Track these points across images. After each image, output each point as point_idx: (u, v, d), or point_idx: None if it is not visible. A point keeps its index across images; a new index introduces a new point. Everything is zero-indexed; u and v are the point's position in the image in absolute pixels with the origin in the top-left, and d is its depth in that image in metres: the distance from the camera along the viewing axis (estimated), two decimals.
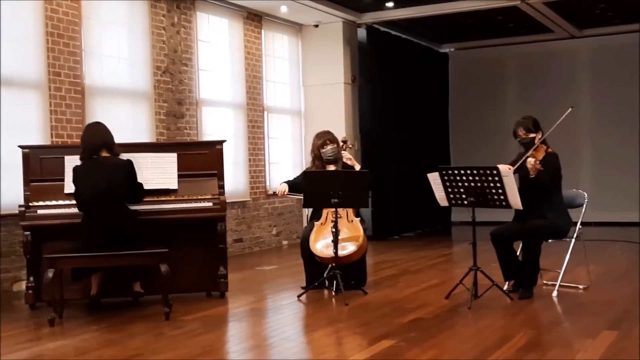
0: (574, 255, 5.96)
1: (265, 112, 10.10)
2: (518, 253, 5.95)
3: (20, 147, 5.89)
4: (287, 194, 6.34)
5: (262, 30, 10.02)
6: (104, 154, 5.44)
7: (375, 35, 10.95)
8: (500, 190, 5.40)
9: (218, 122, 9.19)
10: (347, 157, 6.47)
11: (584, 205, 6.12)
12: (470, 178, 5.47)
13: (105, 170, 5.37)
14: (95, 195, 5.29)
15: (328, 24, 10.54)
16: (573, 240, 5.92)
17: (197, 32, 8.88)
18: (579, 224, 5.98)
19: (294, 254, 8.17)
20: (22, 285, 6.36)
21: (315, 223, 6.25)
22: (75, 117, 7.20)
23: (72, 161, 5.57)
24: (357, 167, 6.48)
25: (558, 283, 5.93)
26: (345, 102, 10.62)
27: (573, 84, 12.25)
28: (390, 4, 10.17)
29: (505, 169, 5.43)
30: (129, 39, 7.97)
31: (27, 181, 5.78)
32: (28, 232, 5.60)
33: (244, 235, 9.51)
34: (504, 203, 5.44)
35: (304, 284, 6.31)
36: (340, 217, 6.10)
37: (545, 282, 6.27)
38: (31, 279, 5.71)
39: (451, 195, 5.65)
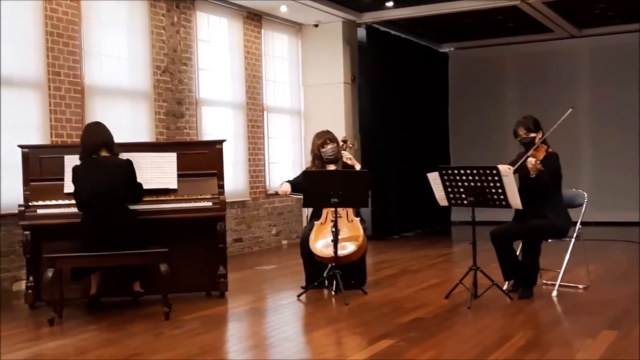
0: (573, 255, 5.96)
1: (265, 112, 10.09)
2: (518, 253, 5.95)
3: (20, 146, 5.88)
4: (290, 194, 6.33)
5: (262, 30, 10.02)
6: (104, 153, 5.44)
7: (375, 35, 10.95)
8: (500, 190, 5.39)
9: (218, 121, 9.18)
10: (347, 156, 6.47)
11: (584, 205, 6.11)
12: (470, 178, 5.47)
13: (105, 169, 5.37)
14: (94, 194, 5.29)
15: (328, 23, 10.54)
16: (573, 240, 5.92)
17: (196, 32, 8.88)
18: (578, 223, 5.98)
19: (293, 253, 8.16)
20: (22, 285, 6.36)
21: (315, 223, 6.25)
22: (74, 117, 7.20)
23: (71, 161, 5.56)
24: (358, 167, 6.48)
25: (558, 283, 5.92)
26: (345, 101, 10.62)
27: (573, 84, 12.26)
28: (390, 4, 10.17)
29: (505, 169, 5.43)
30: (128, 39, 7.96)
31: (26, 181, 5.77)
32: (28, 232, 5.60)
33: (244, 235, 9.51)
34: (503, 203, 5.44)
35: (304, 284, 6.30)
36: (340, 216, 6.10)
37: (545, 281, 6.27)
38: (31, 278, 5.71)
39: (451, 195, 5.65)
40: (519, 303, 5.54)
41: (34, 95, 6.87)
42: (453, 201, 5.68)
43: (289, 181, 6.41)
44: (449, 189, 5.62)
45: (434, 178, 5.75)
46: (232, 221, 9.10)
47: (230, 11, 9.41)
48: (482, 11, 10.30)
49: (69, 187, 5.53)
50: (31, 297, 5.72)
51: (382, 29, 11.23)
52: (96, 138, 5.47)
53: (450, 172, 5.57)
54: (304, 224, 7.90)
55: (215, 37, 9.21)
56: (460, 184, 5.53)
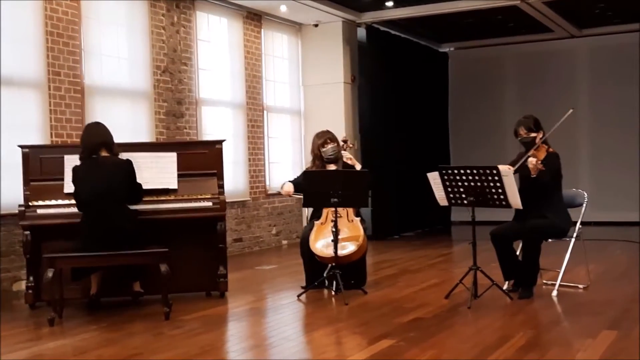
0: (573, 255, 5.96)
1: (265, 112, 10.10)
2: (518, 253, 5.95)
3: (20, 146, 5.89)
4: (292, 194, 6.32)
5: (262, 30, 10.02)
6: (104, 153, 5.44)
7: (374, 35, 10.95)
8: (500, 190, 5.39)
9: (218, 121, 9.18)
10: (348, 156, 6.46)
11: (584, 205, 6.11)
12: (470, 178, 5.47)
13: (105, 169, 5.37)
14: (94, 194, 5.29)
15: (328, 23, 10.54)
16: (573, 239, 5.91)
17: (196, 32, 8.88)
18: (578, 223, 5.98)
19: (293, 253, 8.16)
20: (22, 285, 6.36)
21: (316, 222, 6.25)
22: (74, 117, 7.20)
23: (71, 161, 5.56)
24: (358, 167, 6.47)
25: (558, 283, 5.92)
26: (345, 101, 10.62)
27: (573, 84, 12.26)
28: (389, 4, 10.17)
29: (505, 169, 5.43)
30: (128, 39, 7.96)
31: (26, 181, 5.77)
32: (28, 232, 5.60)
33: (244, 234, 9.51)
34: (503, 203, 5.44)
35: (304, 284, 6.30)
36: (341, 216, 6.10)
37: (545, 281, 6.27)
38: (31, 278, 5.71)
39: (451, 195, 5.65)
40: (519, 303, 5.54)
41: (34, 95, 6.87)
42: (453, 201, 5.68)
43: (291, 181, 6.41)
44: (449, 189, 5.62)
45: (434, 178, 5.74)
46: (232, 221, 9.10)
47: (230, 11, 9.41)
48: (482, 11, 10.30)
49: (69, 187, 5.53)
50: (31, 297, 5.72)
51: (382, 28, 11.23)
52: (96, 138, 5.47)
53: (450, 172, 5.57)
54: (304, 224, 7.89)
55: (215, 37, 9.22)
56: (460, 183, 5.53)
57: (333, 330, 4.93)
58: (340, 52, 10.55)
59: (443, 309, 5.38)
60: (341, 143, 6.53)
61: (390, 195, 10.90)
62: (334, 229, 5.86)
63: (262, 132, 9.98)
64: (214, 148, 6.22)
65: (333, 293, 6.07)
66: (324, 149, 6.36)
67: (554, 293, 5.84)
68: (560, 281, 5.93)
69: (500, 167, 5.41)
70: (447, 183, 5.60)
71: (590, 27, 12.00)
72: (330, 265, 6.03)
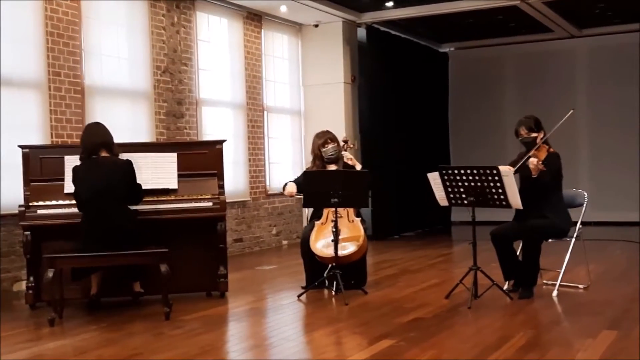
0: (574, 255, 5.96)
1: (265, 112, 10.10)
2: (518, 253, 5.95)
3: (20, 147, 5.89)
4: (295, 195, 6.30)
5: (262, 30, 10.02)
6: (104, 154, 5.44)
7: (375, 35, 10.95)
8: (500, 190, 5.39)
9: (218, 121, 9.18)
10: (348, 157, 6.46)
11: (584, 205, 6.11)
12: (470, 178, 5.47)
13: (105, 170, 5.37)
14: (94, 195, 5.29)
15: (328, 23, 10.54)
16: (573, 239, 5.92)
17: (196, 32, 8.88)
18: (579, 223, 5.98)
19: (294, 253, 8.17)
20: (22, 285, 6.36)
21: (316, 222, 6.25)
22: (75, 117, 7.20)
23: (72, 161, 5.57)
24: (358, 167, 6.46)
25: (558, 283, 5.92)
26: (345, 101, 10.62)
27: (573, 84, 12.26)
28: (390, 4, 10.17)
29: (505, 169, 5.43)
30: (128, 39, 7.96)
31: (27, 181, 5.78)
32: (28, 232, 5.60)
33: (244, 235, 9.51)
34: (504, 203, 5.44)
35: (304, 284, 6.30)
36: (341, 216, 6.10)
37: (545, 281, 6.27)
38: (31, 278, 5.72)
39: (451, 195, 5.65)
40: (519, 303, 5.54)
41: (34, 95, 6.87)
42: (453, 201, 5.68)
43: (293, 181, 6.39)
44: (449, 189, 5.62)
45: (434, 178, 5.74)
46: (232, 221, 9.10)
47: (230, 11, 9.41)
48: (482, 11, 10.30)
49: (69, 187, 5.54)
50: (31, 297, 5.73)
51: (382, 29, 11.23)
52: (96, 138, 5.47)
53: (450, 172, 5.57)
54: (304, 224, 7.89)
55: (215, 37, 9.22)
56: (460, 183, 5.53)
57: (333, 331, 4.93)
58: (341, 52, 10.55)
59: (443, 309, 5.38)
60: (342, 143, 6.53)
61: (390, 195, 10.90)
62: (334, 229, 5.86)
63: (262, 132, 9.98)
64: (214, 148, 6.22)
65: (333, 293, 6.07)
66: (324, 149, 6.36)
67: (554, 293, 5.84)
68: (561, 281, 5.93)
69: (501, 167, 5.41)
70: (447, 183, 5.60)
71: (590, 27, 12.00)
72: (330, 265, 6.03)
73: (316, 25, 10.64)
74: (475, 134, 12.83)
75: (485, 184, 5.42)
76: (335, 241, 5.85)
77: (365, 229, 6.23)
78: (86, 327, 5.12)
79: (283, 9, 9.72)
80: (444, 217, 12.09)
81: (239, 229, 9.41)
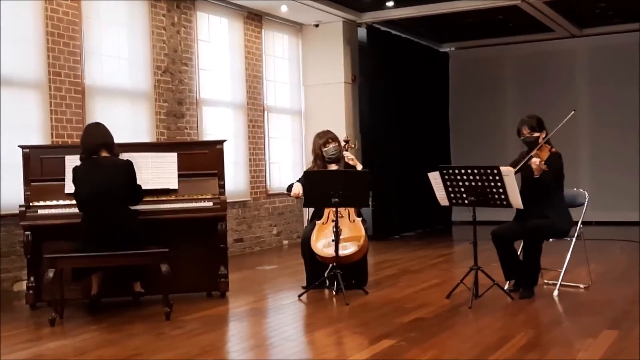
0: (574, 255, 5.96)
1: (266, 112, 10.09)
2: (519, 252, 5.94)
3: (21, 147, 5.89)
4: (301, 195, 6.27)
5: (262, 30, 10.02)
6: (104, 154, 5.44)
7: (375, 35, 10.94)
8: (501, 190, 5.39)
9: (218, 121, 9.18)
10: (350, 157, 6.45)
11: (585, 205, 6.11)
12: (471, 177, 5.46)
13: (105, 170, 5.37)
14: (94, 195, 5.29)
15: (328, 23, 10.54)
16: (574, 239, 5.91)
17: (197, 32, 8.88)
18: (579, 223, 5.98)
19: (294, 253, 8.17)
20: (23, 285, 6.36)
21: (317, 222, 6.25)
22: (75, 117, 7.20)
23: (72, 161, 5.57)
24: (359, 167, 6.46)
25: (559, 282, 5.92)
26: (346, 101, 10.62)
27: (573, 84, 12.25)
28: (390, 4, 10.17)
29: (506, 169, 5.42)
30: (129, 39, 7.96)
31: (27, 181, 5.78)
32: (28, 232, 5.60)
33: (245, 235, 9.51)
34: (504, 202, 5.43)
35: (305, 284, 6.30)
36: (342, 216, 6.10)
37: (546, 281, 6.26)
38: (31, 278, 5.72)
39: (452, 195, 5.65)
40: (520, 303, 5.53)
41: (34, 95, 6.87)
42: (454, 201, 5.68)
43: (298, 181, 6.36)
44: (450, 189, 5.62)
45: (434, 178, 5.74)
46: (232, 221, 9.10)
47: (230, 11, 9.41)
48: (482, 11, 10.29)
49: (69, 187, 5.53)
50: (32, 297, 5.73)
51: (382, 28, 11.22)
52: (96, 139, 5.47)
53: (451, 171, 5.56)
54: (305, 224, 7.89)
55: (215, 37, 9.21)
56: (461, 183, 5.53)
57: (334, 331, 4.92)
58: (341, 52, 10.55)
59: (444, 309, 5.38)
60: (343, 143, 6.52)
61: (391, 195, 10.90)
62: (335, 229, 5.85)
63: (262, 132, 9.98)
64: (215, 148, 6.22)
65: (334, 293, 6.07)
66: (325, 149, 6.36)
67: (555, 293, 5.84)
68: (561, 281, 5.93)
69: (502, 167, 5.40)
70: (448, 183, 5.59)
71: (590, 27, 11.99)
72: (331, 265, 6.03)
73: (316, 25, 10.64)
74: (476, 133, 12.82)
75: (486, 184, 5.42)
76: (336, 241, 5.85)
77: (366, 229, 6.23)
78: (86, 327, 5.12)
79: (283, 8, 9.72)
80: (444, 217, 12.07)
81: (240, 229, 9.40)
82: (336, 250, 5.85)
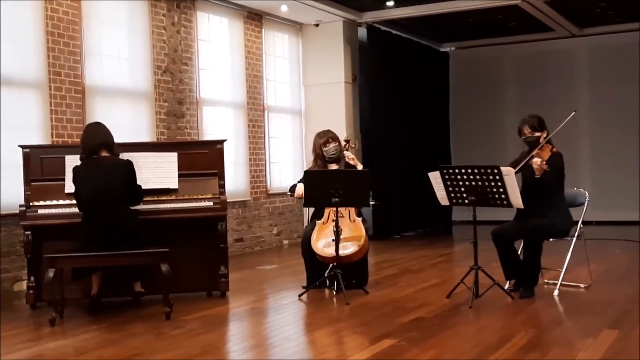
0: (575, 254, 5.95)
1: (266, 112, 10.09)
2: (519, 252, 5.94)
3: (21, 146, 5.89)
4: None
5: (263, 30, 10.02)
6: (104, 153, 5.44)
7: (375, 35, 10.94)
8: (501, 190, 5.39)
9: (218, 121, 9.18)
10: (350, 156, 6.44)
11: (585, 204, 6.10)
12: (472, 177, 5.46)
13: (105, 170, 5.37)
14: (94, 194, 5.29)
15: (328, 23, 10.53)
16: (574, 239, 5.91)
17: (197, 32, 8.87)
18: (580, 222, 5.97)
19: (294, 253, 8.16)
20: (23, 285, 6.35)
21: (317, 222, 6.24)
22: (75, 117, 7.20)
23: (72, 161, 5.56)
24: (360, 167, 6.45)
25: (559, 282, 5.92)
26: (346, 101, 10.62)
27: (573, 83, 12.25)
28: (390, 3, 10.17)
29: (506, 169, 5.42)
30: (129, 39, 7.96)
31: (27, 181, 5.78)
32: (29, 232, 5.60)
33: (245, 234, 9.51)
34: (505, 202, 5.43)
35: (305, 284, 6.30)
36: (342, 216, 6.09)
37: (546, 281, 6.26)
38: (32, 278, 5.72)
39: (452, 195, 5.64)
40: (520, 302, 5.53)
41: (34, 95, 6.87)
42: (454, 200, 5.67)
43: (299, 182, 6.34)
44: (450, 189, 5.62)
45: (435, 177, 5.74)
46: (233, 221, 9.10)
47: (230, 11, 9.41)
48: (482, 10, 10.29)
49: (69, 187, 5.53)
50: (32, 297, 5.73)
51: (382, 28, 11.22)
52: (96, 138, 5.46)
53: (451, 171, 5.56)
54: (305, 223, 7.88)
55: (215, 37, 9.21)
56: (461, 183, 5.53)
57: (334, 330, 4.92)
58: (341, 51, 10.55)
59: (444, 309, 5.38)
60: (343, 143, 6.52)
61: (391, 195, 10.89)
62: (335, 229, 5.85)
63: (262, 132, 9.98)
64: (215, 148, 6.21)
65: (334, 293, 6.07)
66: (326, 148, 6.35)
67: (556, 292, 5.83)
68: (562, 281, 5.92)
69: (502, 168, 5.40)
70: (448, 182, 5.59)
71: (591, 27, 11.99)
72: (331, 265, 6.03)
73: (317, 25, 10.63)
74: (476, 133, 12.82)
75: (487, 184, 5.42)
76: (337, 241, 5.85)
77: (366, 229, 6.23)
78: (87, 327, 5.12)
79: (284, 8, 9.72)
80: (444, 217, 12.07)
81: (240, 228, 9.40)
82: (336, 250, 5.85)
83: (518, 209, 5.65)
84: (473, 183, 5.47)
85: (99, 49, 7.57)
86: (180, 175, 5.95)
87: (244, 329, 5.19)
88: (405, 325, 4.87)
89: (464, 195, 5.56)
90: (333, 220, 5.93)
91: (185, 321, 5.17)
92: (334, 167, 6.39)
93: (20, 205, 5.67)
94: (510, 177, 5.36)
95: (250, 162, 9.66)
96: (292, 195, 6.48)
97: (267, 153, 10.05)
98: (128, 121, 7.79)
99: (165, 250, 5.29)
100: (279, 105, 10.41)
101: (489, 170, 5.37)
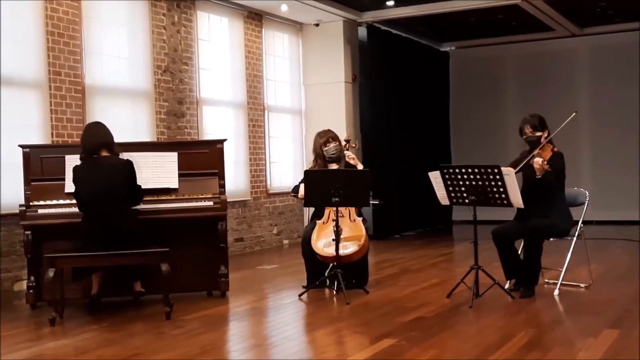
0: (575, 254, 5.95)
1: (266, 111, 10.09)
2: (519, 252, 5.94)
3: (21, 146, 5.88)
4: None
5: (263, 29, 10.02)
6: (104, 153, 5.44)
7: (375, 34, 10.94)
8: (501, 189, 5.38)
9: (219, 121, 9.18)
10: (351, 156, 6.44)
11: (586, 204, 6.10)
12: (472, 177, 5.45)
13: (105, 169, 5.36)
14: (94, 194, 5.29)
15: (328, 22, 10.53)
16: (574, 239, 5.90)
17: (197, 31, 8.87)
18: (580, 222, 5.97)
19: (294, 253, 8.16)
20: (23, 285, 6.35)
21: (317, 222, 6.24)
22: (75, 117, 7.20)
23: (72, 160, 5.56)
24: (360, 167, 6.45)
25: (559, 282, 5.91)
26: (346, 101, 10.62)
27: (574, 83, 12.25)
28: (390, 3, 10.17)
29: (507, 169, 5.41)
30: (129, 38, 7.96)
31: (27, 181, 5.77)
32: (29, 232, 5.59)
33: (245, 234, 9.51)
34: (505, 202, 5.43)
35: (305, 283, 6.30)
36: (343, 216, 6.09)
37: (546, 280, 6.26)
38: (32, 278, 5.72)
39: (452, 194, 5.64)
40: (520, 302, 5.53)
41: (34, 95, 6.86)
42: (454, 200, 5.67)
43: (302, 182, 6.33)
44: (451, 188, 5.61)
45: (435, 177, 5.73)
46: (233, 221, 9.10)
47: (230, 10, 9.41)
48: (483, 10, 10.29)
49: (69, 187, 5.53)
50: (32, 297, 5.72)
51: (383, 28, 11.22)
52: (96, 138, 5.46)
53: (451, 171, 5.56)
54: (305, 223, 7.87)
55: (215, 37, 9.21)
56: (461, 183, 5.52)
57: (334, 330, 4.92)
58: (341, 51, 10.55)
59: (444, 309, 5.38)
60: (343, 142, 6.52)
61: (391, 194, 10.88)
62: (335, 229, 5.85)
63: (263, 131, 9.98)
64: (215, 148, 6.21)
65: (334, 292, 6.06)
66: (326, 148, 6.35)
67: (556, 292, 5.83)
68: (562, 280, 5.92)
69: (503, 168, 5.39)
70: (449, 182, 5.59)
71: (591, 26, 11.99)
72: (331, 264, 6.02)
73: (317, 25, 10.63)
74: (477, 133, 12.82)
75: (487, 183, 5.41)
76: (337, 240, 5.84)
77: (366, 229, 6.22)
78: (87, 326, 5.12)
79: (284, 8, 9.71)
80: (445, 217, 12.07)
81: (240, 228, 9.40)
82: (337, 249, 5.85)
83: (518, 209, 5.65)
84: (473, 183, 5.46)
85: (99, 49, 7.56)
86: (180, 175, 5.94)
87: (244, 328, 5.19)
88: (405, 325, 4.86)
89: (464, 195, 5.56)
90: (333, 220, 5.93)
91: (186, 321, 5.17)
92: (334, 166, 6.39)
93: (20, 205, 5.67)
94: (511, 177, 5.35)
95: (251, 161, 9.66)
96: (295, 196, 6.48)
97: (267, 153, 10.05)
98: (128, 121, 7.79)
99: (166, 250, 5.29)
100: (279, 105, 10.40)
101: (489, 170, 5.37)
